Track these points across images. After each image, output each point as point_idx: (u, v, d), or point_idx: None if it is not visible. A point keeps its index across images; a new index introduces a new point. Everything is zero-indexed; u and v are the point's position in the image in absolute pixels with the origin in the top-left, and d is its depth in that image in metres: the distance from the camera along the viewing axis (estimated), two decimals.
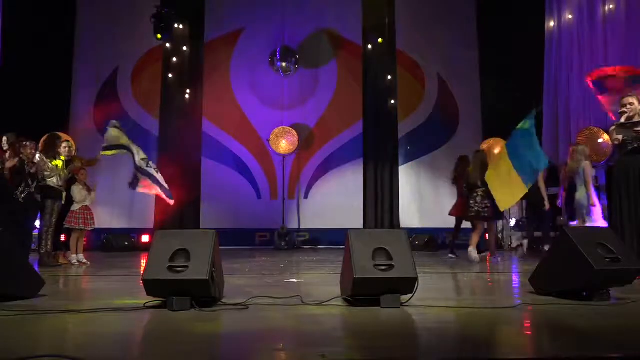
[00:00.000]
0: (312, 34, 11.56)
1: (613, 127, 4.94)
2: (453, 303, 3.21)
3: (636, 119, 4.77)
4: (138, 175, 7.40)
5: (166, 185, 7.65)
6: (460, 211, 7.69)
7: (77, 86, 11.11)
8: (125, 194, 10.65)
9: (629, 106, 4.81)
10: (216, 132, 11.30)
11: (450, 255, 7.74)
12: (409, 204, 11.15)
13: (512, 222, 10.75)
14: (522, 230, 10.21)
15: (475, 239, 7.06)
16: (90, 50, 11.16)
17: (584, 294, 3.27)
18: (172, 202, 7.87)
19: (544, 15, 10.71)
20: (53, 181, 6.23)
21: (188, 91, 10.55)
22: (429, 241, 9.87)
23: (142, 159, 7.43)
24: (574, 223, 6.91)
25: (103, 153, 7.27)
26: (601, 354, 2.07)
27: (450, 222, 11.12)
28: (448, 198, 11.33)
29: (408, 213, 10.98)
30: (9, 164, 5.65)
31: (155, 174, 7.50)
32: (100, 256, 8.35)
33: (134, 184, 7.51)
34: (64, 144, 6.69)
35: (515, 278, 5.36)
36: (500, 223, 11.03)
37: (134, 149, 7.41)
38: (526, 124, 6.87)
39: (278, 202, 10.86)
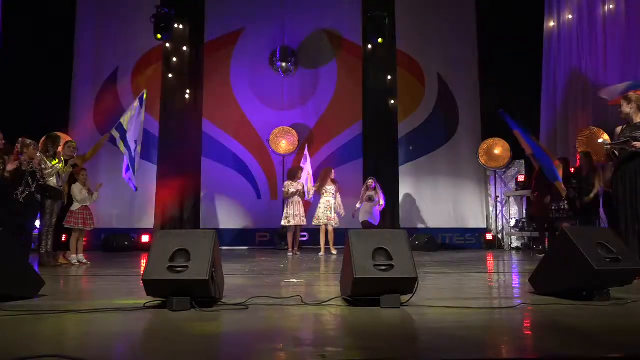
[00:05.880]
0: (312, 34, 11.55)
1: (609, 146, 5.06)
2: (453, 303, 3.21)
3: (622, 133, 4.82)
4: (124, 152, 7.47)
5: (130, 164, 7.56)
6: None
7: (77, 86, 11.09)
8: (126, 194, 10.66)
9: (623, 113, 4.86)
10: (216, 132, 11.30)
11: None
12: (409, 204, 11.15)
13: (512, 222, 10.77)
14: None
15: None
16: (90, 50, 11.15)
17: (584, 294, 3.27)
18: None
19: (544, 15, 10.72)
20: (53, 181, 6.23)
21: (188, 91, 10.53)
22: (429, 241, 9.87)
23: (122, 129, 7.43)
24: None
25: (113, 133, 7.27)
26: (601, 354, 2.07)
27: (449, 222, 11.21)
28: (448, 198, 11.40)
29: (408, 213, 10.98)
30: (10, 167, 5.62)
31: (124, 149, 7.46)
32: (100, 256, 8.35)
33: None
34: (69, 145, 6.72)
35: (515, 278, 5.36)
36: (501, 223, 11.07)
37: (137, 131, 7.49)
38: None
39: (278, 202, 10.85)
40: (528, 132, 7.58)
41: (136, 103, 7.70)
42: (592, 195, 7.44)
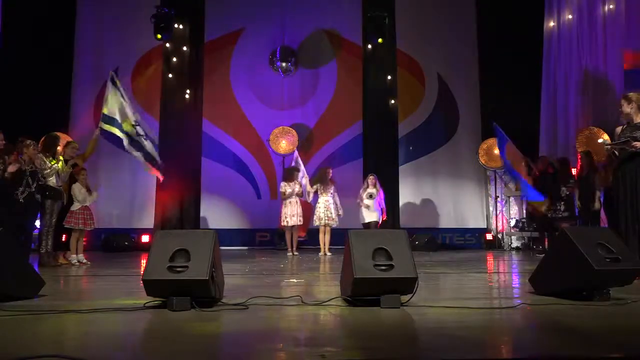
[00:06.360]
0: (312, 34, 11.55)
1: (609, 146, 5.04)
2: (453, 303, 3.21)
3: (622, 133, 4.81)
4: (135, 155, 7.50)
5: (157, 156, 7.78)
6: None
7: (77, 86, 11.09)
8: (126, 194, 10.68)
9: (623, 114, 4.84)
10: (216, 132, 11.30)
11: None
12: (409, 204, 11.15)
13: (512, 222, 10.77)
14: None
15: None
16: (90, 50, 11.15)
17: (584, 294, 3.27)
18: (161, 177, 8.19)
19: (544, 15, 10.72)
20: (53, 181, 6.23)
21: (188, 91, 10.52)
22: (429, 241, 9.86)
23: (132, 125, 7.42)
24: None
25: (101, 124, 7.25)
26: (601, 354, 2.07)
27: (449, 222, 11.21)
28: (448, 198, 11.40)
29: (408, 213, 10.98)
30: (11, 169, 5.60)
31: (144, 142, 7.54)
32: (100, 256, 8.35)
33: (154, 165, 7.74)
34: (71, 146, 6.72)
35: (515, 278, 5.36)
36: (501, 223, 11.07)
37: (127, 112, 7.41)
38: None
39: (278, 202, 10.78)
40: (509, 161, 7.60)
41: (116, 92, 7.44)
42: (597, 206, 7.43)
